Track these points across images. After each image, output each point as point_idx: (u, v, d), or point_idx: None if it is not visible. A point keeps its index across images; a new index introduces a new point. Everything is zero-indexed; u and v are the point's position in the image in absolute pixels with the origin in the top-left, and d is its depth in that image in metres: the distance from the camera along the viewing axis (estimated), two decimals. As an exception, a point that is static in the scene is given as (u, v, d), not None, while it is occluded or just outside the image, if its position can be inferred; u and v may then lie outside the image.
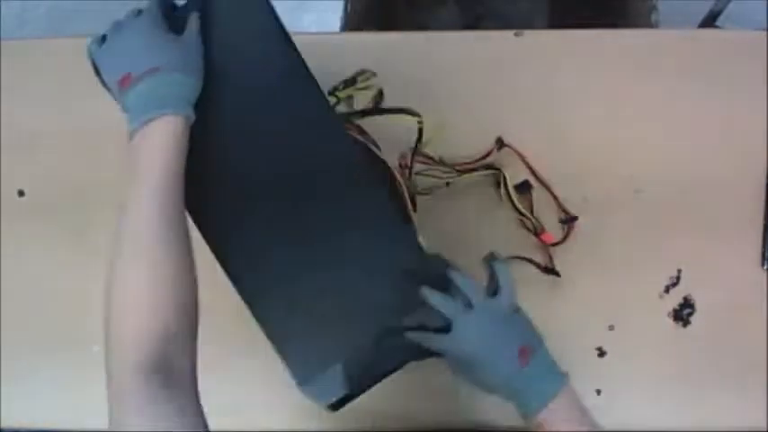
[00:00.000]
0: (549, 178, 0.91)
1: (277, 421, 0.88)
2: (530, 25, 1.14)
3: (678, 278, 0.89)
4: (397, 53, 0.93)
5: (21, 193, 0.95)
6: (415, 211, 0.82)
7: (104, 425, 0.91)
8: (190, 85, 0.64)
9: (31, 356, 0.92)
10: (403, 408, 0.88)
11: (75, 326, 0.92)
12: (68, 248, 0.92)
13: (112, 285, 0.58)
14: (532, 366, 0.64)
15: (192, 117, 0.64)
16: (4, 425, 0.90)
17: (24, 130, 0.96)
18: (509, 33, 0.95)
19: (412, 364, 0.70)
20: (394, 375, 0.70)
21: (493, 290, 0.68)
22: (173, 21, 0.67)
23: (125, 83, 0.63)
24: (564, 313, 0.87)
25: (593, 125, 0.93)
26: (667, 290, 0.89)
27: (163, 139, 0.61)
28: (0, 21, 1.71)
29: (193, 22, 0.67)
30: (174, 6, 0.70)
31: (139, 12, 0.68)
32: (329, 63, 0.90)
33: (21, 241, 0.94)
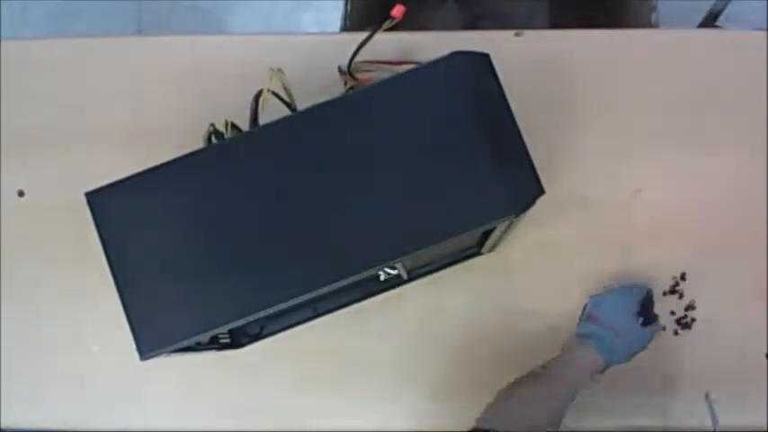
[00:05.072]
0: (549, 178, 0.91)
1: (282, 421, 0.89)
2: (530, 25, 1.14)
3: (678, 280, 0.89)
4: (397, 53, 0.92)
5: (21, 194, 0.95)
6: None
7: (105, 425, 0.92)
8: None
9: (31, 356, 0.92)
10: (407, 409, 0.88)
11: (76, 326, 0.92)
12: (68, 248, 0.92)
13: None
14: None
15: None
16: (5, 425, 0.91)
17: (24, 131, 0.96)
18: (509, 33, 0.95)
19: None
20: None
21: None
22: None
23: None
24: (567, 315, 0.87)
25: (593, 125, 0.93)
26: (668, 292, 0.89)
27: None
28: (0, 21, 1.71)
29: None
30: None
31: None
32: (329, 63, 0.90)
33: (21, 241, 0.94)
